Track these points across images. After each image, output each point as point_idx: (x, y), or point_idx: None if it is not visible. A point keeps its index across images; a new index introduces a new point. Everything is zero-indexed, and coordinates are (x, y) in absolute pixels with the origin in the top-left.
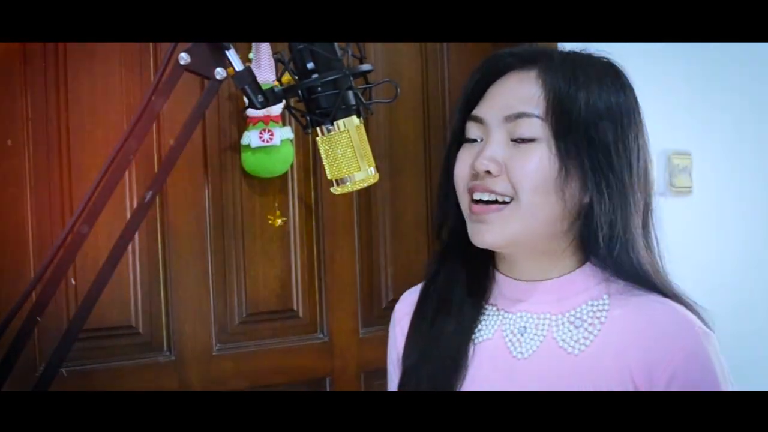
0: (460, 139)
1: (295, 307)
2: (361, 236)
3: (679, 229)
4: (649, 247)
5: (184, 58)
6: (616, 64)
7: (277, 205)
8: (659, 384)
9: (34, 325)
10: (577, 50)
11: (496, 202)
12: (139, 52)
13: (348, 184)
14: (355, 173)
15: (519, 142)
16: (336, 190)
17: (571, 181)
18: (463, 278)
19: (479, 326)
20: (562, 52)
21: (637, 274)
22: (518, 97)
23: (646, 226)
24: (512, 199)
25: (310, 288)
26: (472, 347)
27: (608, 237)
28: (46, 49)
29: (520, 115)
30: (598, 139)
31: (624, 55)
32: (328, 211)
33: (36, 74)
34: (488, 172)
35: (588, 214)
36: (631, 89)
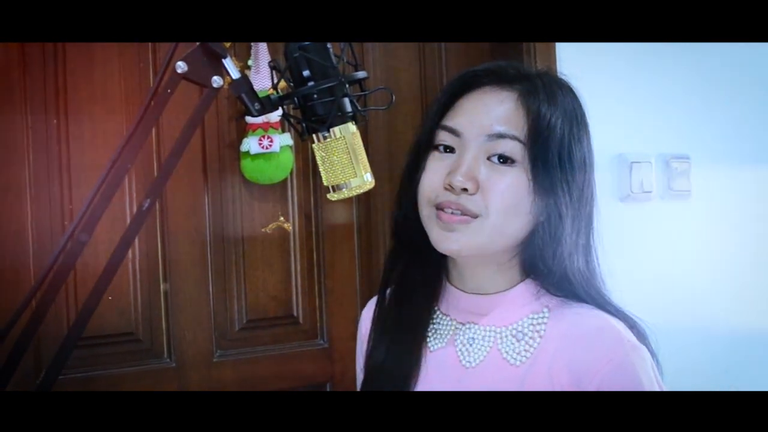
0: (428, 147)
1: (295, 313)
2: (361, 242)
3: (678, 233)
4: (587, 259)
5: (181, 66)
6: (567, 80)
7: (280, 212)
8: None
9: (33, 333)
10: (541, 68)
11: (461, 213)
12: (138, 59)
13: (344, 190)
14: (351, 179)
15: (496, 163)
16: (332, 196)
17: (539, 203)
18: (416, 286)
19: (434, 335)
20: (540, 74)
21: (572, 289)
22: (499, 116)
23: (587, 236)
24: (479, 215)
25: (310, 294)
26: (426, 355)
27: (553, 251)
28: (45, 58)
29: (501, 136)
30: (568, 163)
31: (622, 58)
32: (328, 217)
33: (36, 83)
34: (465, 189)
35: (540, 228)
36: (582, 104)
